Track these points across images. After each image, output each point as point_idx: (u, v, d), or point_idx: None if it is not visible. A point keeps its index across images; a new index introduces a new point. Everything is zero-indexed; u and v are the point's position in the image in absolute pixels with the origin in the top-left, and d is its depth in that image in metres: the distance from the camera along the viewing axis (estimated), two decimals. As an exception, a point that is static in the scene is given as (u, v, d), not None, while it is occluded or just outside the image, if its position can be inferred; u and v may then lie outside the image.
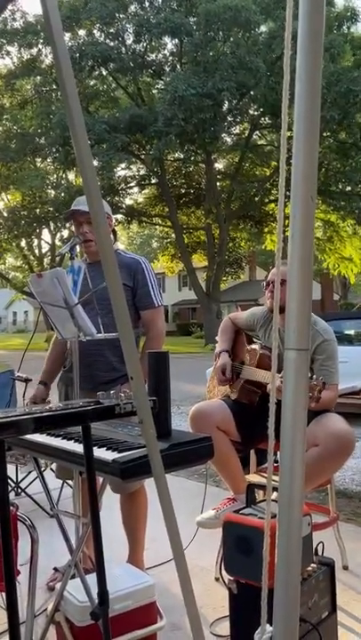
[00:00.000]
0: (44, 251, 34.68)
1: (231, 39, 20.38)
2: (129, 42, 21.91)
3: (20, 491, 3.61)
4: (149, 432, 0.97)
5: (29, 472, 3.67)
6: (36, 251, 34.32)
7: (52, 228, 30.57)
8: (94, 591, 1.32)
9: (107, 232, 0.90)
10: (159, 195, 25.71)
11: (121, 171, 24.23)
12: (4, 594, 1.01)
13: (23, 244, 31.40)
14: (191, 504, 2.81)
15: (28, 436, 1.59)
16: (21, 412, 1.16)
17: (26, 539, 1.75)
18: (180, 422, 5.95)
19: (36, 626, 1.87)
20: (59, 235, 30.62)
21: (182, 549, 0.99)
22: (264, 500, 1.95)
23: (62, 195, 22.49)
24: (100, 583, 1.27)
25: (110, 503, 2.45)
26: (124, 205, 25.77)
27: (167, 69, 22.70)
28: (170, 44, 22.55)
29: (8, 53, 23.29)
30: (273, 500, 1.19)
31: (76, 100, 0.81)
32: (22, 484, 3.66)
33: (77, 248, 2.34)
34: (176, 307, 40.61)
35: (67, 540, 1.76)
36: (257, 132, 24.60)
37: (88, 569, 2.09)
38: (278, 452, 1.13)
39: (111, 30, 21.54)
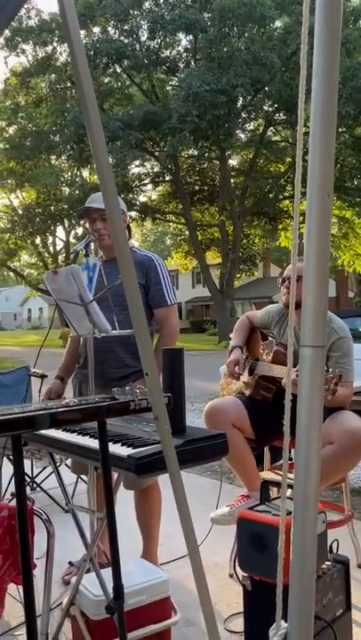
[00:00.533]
0: (58, 248, 34.95)
1: (246, 35, 20.24)
2: (143, 39, 21.90)
3: (35, 485, 3.65)
4: (164, 428, 0.98)
5: (44, 467, 3.70)
6: (51, 248, 34.57)
7: (66, 226, 30.77)
8: (109, 585, 1.33)
9: (122, 228, 0.90)
10: (173, 192, 25.67)
11: (135, 168, 24.27)
12: (20, 587, 1.03)
13: (38, 241, 31.69)
14: (205, 501, 2.81)
15: (44, 432, 1.61)
16: (37, 407, 1.17)
17: (41, 533, 1.76)
18: (194, 419, 5.95)
19: (51, 619, 1.89)
20: (73, 232, 30.79)
21: (197, 545, 0.99)
22: (278, 498, 1.95)
23: (77, 192, 22.59)
24: (116, 577, 1.28)
25: (125, 499, 2.46)
26: (138, 202, 25.77)
27: (181, 66, 22.61)
28: (184, 40, 22.50)
29: (23, 51, 23.41)
30: (288, 498, 1.19)
31: (93, 98, 0.81)
32: (37, 479, 3.69)
33: (92, 245, 2.35)
34: (189, 304, 40.57)
35: (82, 534, 1.78)
36: (271, 129, 24.43)
37: (103, 564, 2.11)
38: (293, 450, 1.13)
39: (125, 27, 21.53)
